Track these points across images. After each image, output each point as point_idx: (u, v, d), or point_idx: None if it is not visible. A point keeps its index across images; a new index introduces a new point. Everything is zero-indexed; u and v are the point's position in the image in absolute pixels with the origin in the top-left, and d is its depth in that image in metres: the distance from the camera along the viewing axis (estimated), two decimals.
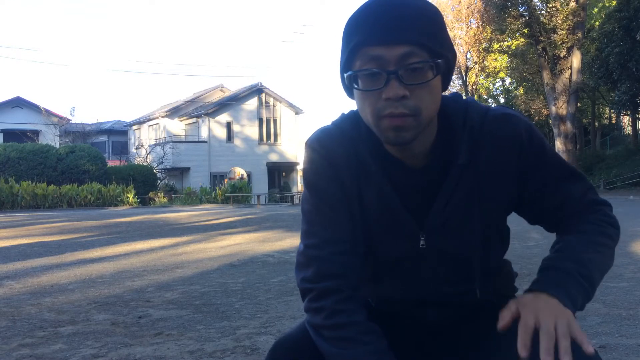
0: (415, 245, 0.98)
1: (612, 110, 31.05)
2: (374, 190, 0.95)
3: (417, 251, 0.98)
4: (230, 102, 32.74)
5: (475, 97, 35.33)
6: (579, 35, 22.81)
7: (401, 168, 0.94)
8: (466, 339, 1.04)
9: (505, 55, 31.18)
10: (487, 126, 0.93)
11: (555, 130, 23.83)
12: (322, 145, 0.95)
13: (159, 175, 28.25)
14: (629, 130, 32.12)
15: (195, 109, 33.81)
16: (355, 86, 0.87)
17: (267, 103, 33.60)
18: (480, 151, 0.93)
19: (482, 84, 37.17)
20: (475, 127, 0.93)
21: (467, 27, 32.88)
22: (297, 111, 34.73)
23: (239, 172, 28.32)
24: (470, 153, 0.93)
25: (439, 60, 0.86)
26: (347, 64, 0.88)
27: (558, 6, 23.01)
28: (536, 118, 27.70)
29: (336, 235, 0.93)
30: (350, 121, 0.96)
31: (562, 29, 22.54)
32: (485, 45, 32.19)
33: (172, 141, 30.97)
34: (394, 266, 1.01)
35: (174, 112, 34.54)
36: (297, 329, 1.00)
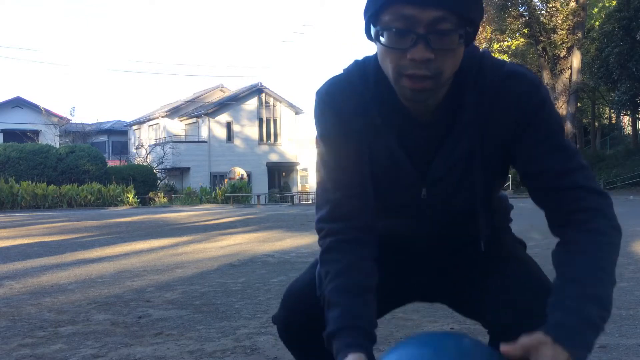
0: (417, 196, 1.03)
1: (612, 110, 31.04)
2: (381, 143, 0.99)
3: (418, 202, 1.03)
4: (230, 102, 32.74)
5: None
6: (579, 35, 22.81)
7: (408, 121, 0.97)
8: (461, 280, 1.10)
9: (505, 55, 31.13)
10: (496, 84, 0.95)
11: None
12: (332, 97, 0.99)
13: (159, 175, 28.25)
14: (629, 130, 32.11)
15: (195, 109, 33.81)
16: (380, 40, 0.88)
17: (267, 103, 33.60)
18: (486, 109, 0.96)
19: None
20: (485, 84, 0.95)
21: None
22: (297, 111, 34.72)
23: (239, 172, 28.32)
24: (476, 110, 0.95)
25: (469, 28, 0.88)
26: (374, 16, 0.88)
27: (558, 6, 23.02)
28: None
29: (347, 180, 1.00)
30: (359, 72, 0.99)
31: (562, 29, 22.54)
32: (485, 45, 32.18)
33: (172, 141, 30.97)
34: (398, 215, 1.08)
35: (174, 112, 34.53)
36: (308, 271, 1.08)
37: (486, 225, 1.05)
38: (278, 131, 33.95)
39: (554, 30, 22.72)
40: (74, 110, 36.06)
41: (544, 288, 0.97)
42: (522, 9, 23.40)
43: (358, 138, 0.99)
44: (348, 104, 0.98)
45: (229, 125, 32.50)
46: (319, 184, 1.04)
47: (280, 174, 34.42)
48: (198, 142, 31.85)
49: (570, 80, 23.09)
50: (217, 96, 34.69)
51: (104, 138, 37.56)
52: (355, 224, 0.98)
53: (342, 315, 0.91)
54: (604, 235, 0.95)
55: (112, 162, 28.56)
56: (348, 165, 1.00)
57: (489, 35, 29.38)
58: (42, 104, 37.98)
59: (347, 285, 0.94)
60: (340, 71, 1.05)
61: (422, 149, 1.00)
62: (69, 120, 31.03)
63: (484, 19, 27.29)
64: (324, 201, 1.01)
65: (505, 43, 28.97)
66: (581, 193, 0.96)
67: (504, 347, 0.82)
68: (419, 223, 1.07)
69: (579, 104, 25.70)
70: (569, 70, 23.13)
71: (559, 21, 22.45)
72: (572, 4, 22.68)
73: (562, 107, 23.18)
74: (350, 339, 0.89)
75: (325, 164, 1.01)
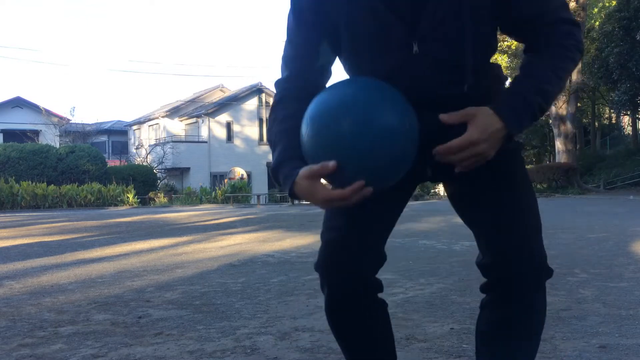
0: (409, 52, 1.06)
1: (612, 110, 31.04)
2: (363, 4, 1.05)
3: (409, 59, 1.07)
4: (230, 102, 32.74)
5: None
6: None
7: None
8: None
9: (505, 55, 31.17)
10: None
11: (555, 130, 23.83)
12: None
13: (159, 175, 28.24)
14: (629, 130, 32.12)
15: (195, 109, 33.81)
16: None
17: (267, 103, 33.58)
18: None
19: None
20: None
21: None
22: None
23: (239, 172, 28.31)
24: None
25: None
26: None
27: None
28: None
29: (299, 42, 1.14)
30: None
31: None
32: None
33: (172, 141, 30.97)
34: (391, 77, 1.05)
35: (174, 112, 34.53)
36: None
37: (471, 71, 1.09)
38: None
39: None
40: (74, 110, 36.16)
41: (532, 230, 1.12)
42: None
43: (332, 10, 1.08)
44: None
45: (229, 125, 32.50)
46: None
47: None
48: (198, 142, 31.85)
49: (570, 80, 23.09)
50: (217, 96, 34.69)
51: (104, 138, 37.56)
52: (300, 82, 1.12)
53: (284, 150, 1.04)
54: (568, 51, 1.06)
55: (112, 162, 28.56)
56: (300, 32, 1.13)
57: None
58: (42, 104, 38.03)
59: (288, 128, 1.06)
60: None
61: (408, 4, 1.04)
62: (69, 120, 31.03)
63: None
64: (282, 65, 1.17)
65: (505, 43, 28.98)
66: (561, 25, 1.07)
67: (443, 116, 1.00)
68: (412, 80, 1.08)
69: (579, 104, 25.68)
70: None
71: None
72: (572, 4, 22.67)
73: (562, 107, 23.18)
74: (292, 167, 1.00)
75: (288, 30, 1.16)
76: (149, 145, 31.73)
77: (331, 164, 0.93)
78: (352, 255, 1.15)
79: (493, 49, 1.16)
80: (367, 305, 1.19)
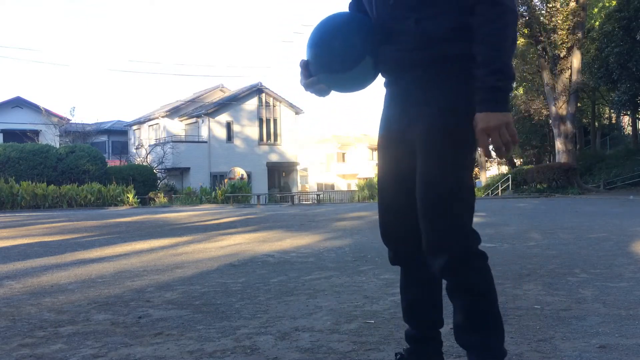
0: None
1: (612, 110, 31.03)
2: None
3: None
4: (230, 102, 32.73)
5: None
6: (579, 35, 22.79)
7: None
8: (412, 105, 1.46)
9: None
10: None
11: (555, 130, 23.82)
12: None
13: (159, 175, 28.23)
14: (629, 130, 32.11)
15: (195, 109, 33.80)
16: None
17: (267, 103, 33.59)
18: None
19: None
20: None
21: None
22: (297, 111, 34.72)
23: (239, 172, 28.32)
24: None
25: None
26: None
27: (558, 6, 22.99)
28: (536, 118, 27.68)
29: None
30: None
31: (562, 29, 22.52)
32: None
33: (172, 141, 30.97)
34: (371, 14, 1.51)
35: (174, 112, 34.53)
36: None
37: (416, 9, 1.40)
38: (278, 131, 33.96)
39: (554, 30, 22.71)
40: (74, 110, 36.07)
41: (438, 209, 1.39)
42: (522, 9, 23.37)
43: None
44: None
45: (229, 125, 32.51)
46: None
47: (280, 174, 34.42)
48: (198, 142, 31.85)
49: (570, 80, 23.08)
50: (217, 96, 34.69)
51: (104, 138, 37.57)
52: None
53: None
54: (494, 22, 1.32)
55: (112, 162, 28.55)
56: None
57: None
58: (42, 104, 38.01)
59: None
60: None
61: None
62: (69, 120, 31.03)
63: None
64: None
65: None
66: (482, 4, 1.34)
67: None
68: (377, 17, 1.48)
69: (579, 104, 25.67)
70: (569, 70, 23.12)
71: (559, 21, 22.44)
72: (572, 4, 22.67)
73: (562, 107, 23.18)
74: None
75: None
76: (149, 145, 31.73)
77: (301, 61, 1.53)
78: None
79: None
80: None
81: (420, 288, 1.65)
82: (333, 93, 1.58)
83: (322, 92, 1.55)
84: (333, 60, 1.45)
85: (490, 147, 1.34)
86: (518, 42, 26.79)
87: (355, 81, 1.50)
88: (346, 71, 1.45)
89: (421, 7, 1.39)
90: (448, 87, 1.39)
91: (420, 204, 1.41)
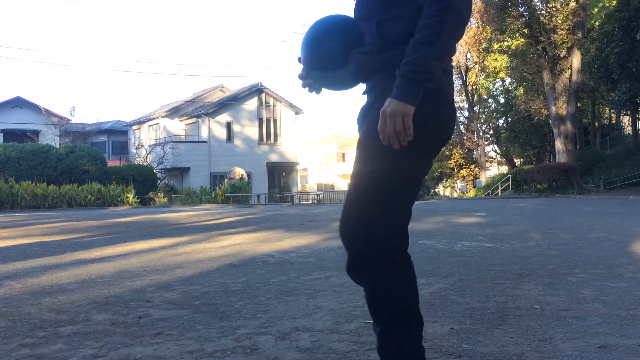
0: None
1: (612, 110, 31.03)
2: None
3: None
4: (230, 102, 32.73)
5: (475, 98, 35.41)
6: (579, 35, 22.80)
7: None
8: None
9: (505, 55, 31.17)
10: None
11: (555, 130, 23.82)
12: None
13: (159, 175, 28.22)
14: (629, 130, 32.12)
15: (195, 109, 33.80)
16: None
17: (267, 103, 33.59)
18: None
19: (482, 84, 37.15)
20: None
21: (467, 27, 32.83)
22: (297, 111, 34.72)
23: (239, 172, 28.32)
24: None
25: None
26: None
27: (558, 6, 23.00)
28: (536, 118, 27.68)
29: None
30: None
31: (562, 29, 22.52)
32: (485, 45, 32.18)
33: (172, 141, 30.97)
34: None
35: (174, 112, 34.53)
36: None
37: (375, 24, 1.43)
38: (278, 131, 33.96)
39: (554, 30, 22.71)
40: (74, 110, 36.10)
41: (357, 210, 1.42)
42: (522, 9, 23.39)
43: None
44: None
45: (229, 125, 32.51)
46: None
47: (280, 174, 34.42)
48: (198, 142, 31.84)
49: (570, 80, 23.08)
50: (217, 96, 34.69)
51: (104, 138, 37.57)
52: None
53: None
54: (432, 17, 1.31)
55: (112, 162, 28.55)
56: None
57: (489, 35, 29.40)
58: (42, 104, 37.98)
59: None
60: None
61: None
62: (69, 120, 31.02)
63: (484, 19, 27.32)
64: None
65: (505, 43, 28.97)
66: None
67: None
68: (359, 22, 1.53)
69: (579, 104, 25.68)
70: (569, 70, 23.12)
71: (559, 21, 22.44)
72: (572, 4, 22.67)
73: (562, 107, 23.17)
74: None
75: None
76: (149, 145, 31.73)
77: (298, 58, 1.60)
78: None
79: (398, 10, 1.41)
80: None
81: None
82: (326, 91, 1.69)
83: (313, 88, 1.63)
84: (322, 60, 1.55)
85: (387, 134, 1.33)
86: (518, 42, 26.88)
87: (343, 80, 1.58)
88: (336, 69, 1.54)
89: (382, 9, 1.42)
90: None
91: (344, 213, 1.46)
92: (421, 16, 1.32)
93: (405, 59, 1.31)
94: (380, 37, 1.41)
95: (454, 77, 36.58)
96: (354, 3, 1.56)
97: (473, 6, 31.87)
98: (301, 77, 1.63)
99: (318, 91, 1.66)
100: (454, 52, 1.38)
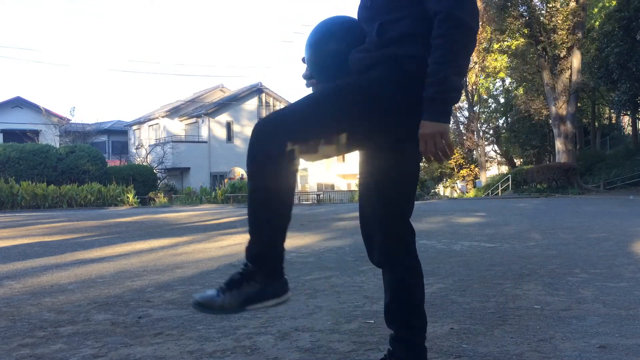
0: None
1: (612, 110, 31.03)
2: None
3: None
4: (230, 102, 32.74)
5: (475, 98, 35.41)
6: (579, 35, 22.79)
7: None
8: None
9: (505, 55, 31.16)
10: None
11: (555, 130, 23.82)
12: None
13: (159, 175, 28.23)
14: (629, 130, 32.11)
15: (195, 109, 33.80)
16: None
17: (267, 103, 33.59)
18: None
19: (482, 84, 37.14)
20: None
21: None
22: None
23: (239, 172, 28.31)
24: None
25: None
26: None
27: (558, 6, 23.00)
28: (536, 118, 27.68)
29: None
30: None
31: (562, 29, 22.52)
32: (485, 45, 32.16)
33: (172, 141, 30.97)
34: None
35: (174, 112, 34.53)
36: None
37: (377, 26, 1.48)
38: None
39: (554, 30, 22.70)
40: (74, 110, 36.19)
41: None
42: (522, 9, 23.38)
43: None
44: None
45: (229, 125, 32.50)
46: None
47: None
48: (198, 142, 31.84)
49: (570, 80, 23.07)
50: (217, 96, 34.69)
51: (104, 138, 37.57)
52: None
53: None
54: (444, 37, 1.37)
55: (112, 162, 28.55)
56: None
57: (489, 35, 29.38)
58: (42, 104, 38.01)
59: None
60: None
61: None
62: (69, 120, 31.03)
63: (484, 19, 27.31)
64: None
65: (505, 43, 28.96)
66: (438, 16, 1.38)
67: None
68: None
69: (579, 104, 25.67)
70: (569, 70, 23.11)
71: (559, 21, 22.43)
72: (572, 4, 22.67)
73: (562, 107, 23.17)
74: None
75: None
76: (149, 145, 31.73)
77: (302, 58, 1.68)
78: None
79: (402, 14, 1.46)
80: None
81: None
82: None
83: (317, 87, 1.70)
84: (326, 61, 1.60)
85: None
86: (518, 42, 26.87)
87: None
88: (339, 71, 1.58)
89: (386, 12, 1.48)
90: (396, 87, 1.43)
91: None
92: (433, 35, 1.38)
93: (429, 81, 1.37)
94: (378, 37, 1.47)
95: None
96: (358, 5, 1.59)
97: None
98: (305, 76, 1.69)
99: None
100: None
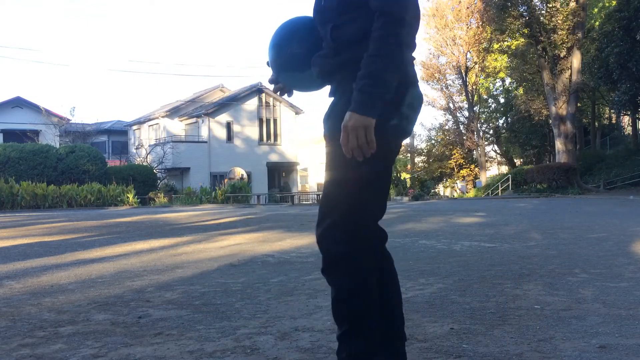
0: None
1: (612, 110, 31.03)
2: None
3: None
4: (230, 102, 32.73)
5: (475, 98, 35.40)
6: (579, 35, 22.79)
7: None
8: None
9: (505, 55, 31.17)
10: None
11: (555, 130, 23.82)
12: None
13: (159, 175, 28.23)
14: (629, 130, 32.11)
15: (195, 109, 33.80)
16: None
17: (267, 103, 33.58)
18: None
19: (482, 84, 37.14)
20: None
21: (467, 27, 32.85)
22: (297, 111, 34.71)
23: (239, 172, 28.31)
24: None
25: None
26: None
27: (558, 6, 22.99)
28: (536, 118, 27.68)
29: None
30: None
31: (562, 29, 22.52)
32: (485, 45, 32.17)
33: (172, 141, 30.96)
34: None
35: (174, 112, 34.52)
36: None
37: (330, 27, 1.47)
38: (278, 131, 33.95)
39: (554, 30, 22.70)
40: (74, 110, 36.01)
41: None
42: (522, 9, 23.37)
43: None
44: None
45: (229, 125, 32.49)
46: None
47: (280, 174, 34.41)
48: (198, 142, 31.83)
49: (570, 80, 23.07)
50: (217, 96, 34.68)
51: (104, 138, 37.56)
52: None
53: None
54: (379, 42, 1.35)
55: (112, 162, 28.55)
56: None
57: (489, 35, 29.39)
58: (42, 104, 37.97)
59: None
60: None
61: None
62: (69, 120, 31.02)
63: (484, 19, 27.31)
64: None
65: (505, 43, 28.96)
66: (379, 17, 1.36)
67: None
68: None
69: (579, 104, 25.66)
70: (569, 70, 23.11)
71: (559, 21, 22.43)
72: (572, 4, 22.67)
73: (562, 107, 23.17)
74: None
75: None
76: (149, 145, 31.73)
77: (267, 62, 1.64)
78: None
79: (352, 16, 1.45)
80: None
81: None
82: (298, 93, 1.76)
83: (284, 91, 1.71)
84: (288, 63, 1.60)
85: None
86: (518, 42, 26.87)
87: (310, 81, 1.62)
88: (302, 72, 1.58)
89: (337, 13, 1.46)
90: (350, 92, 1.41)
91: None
92: (372, 28, 1.36)
93: (360, 73, 1.35)
94: (333, 41, 1.46)
95: (454, 77, 36.61)
96: (312, 8, 1.59)
97: (473, 6, 31.57)
98: (271, 81, 1.69)
99: (290, 94, 1.73)
100: (411, 61, 1.47)
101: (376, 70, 1.34)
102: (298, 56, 1.56)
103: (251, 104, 33.08)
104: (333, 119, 1.47)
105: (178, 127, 34.04)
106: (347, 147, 1.36)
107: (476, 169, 36.90)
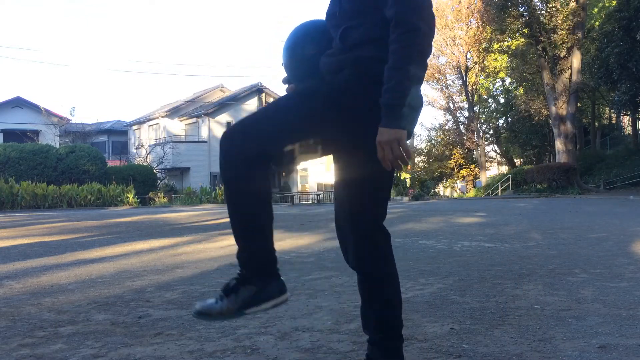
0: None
1: (612, 110, 31.03)
2: None
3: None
4: (230, 102, 32.75)
5: (475, 98, 35.41)
6: (579, 35, 22.79)
7: None
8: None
9: (505, 55, 31.18)
10: None
11: (555, 130, 23.82)
12: None
13: (159, 175, 28.23)
14: (629, 130, 32.11)
15: (195, 109, 33.81)
16: None
17: (267, 103, 33.57)
18: None
19: (482, 84, 37.14)
20: None
21: (467, 27, 32.85)
22: None
23: None
24: None
25: None
26: None
27: (558, 6, 23.00)
28: (536, 118, 27.68)
29: None
30: None
31: (562, 29, 22.52)
32: (485, 45, 32.17)
33: (172, 141, 30.97)
34: None
35: (174, 112, 34.53)
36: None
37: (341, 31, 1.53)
38: None
39: (554, 30, 22.71)
40: (74, 110, 36.07)
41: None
42: (522, 9, 23.38)
43: None
44: None
45: (229, 125, 32.43)
46: None
47: (280, 174, 34.40)
48: (198, 142, 31.84)
49: (570, 80, 23.07)
50: (217, 96, 34.69)
51: (104, 138, 37.56)
52: None
53: None
54: (401, 50, 1.39)
55: (112, 162, 28.55)
56: None
57: (489, 35, 29.39)
58: (42, 104, 37.98)
59: None
60: None
61: None
62: (69, 120, 31.03)
63: (484, 19, 27.31)
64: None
65: (505, 43, 28.96)
66: (396, 28, 1.40)
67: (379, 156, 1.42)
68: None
69: (579, 104, 25.67)
70: (569, 70, 23.11)
71: (559, 21, 22.44)
72: (572, 4, 22.67)
73: (562, 107, 23.17)
74: None
75: None
76: (149, 145, 31.73)
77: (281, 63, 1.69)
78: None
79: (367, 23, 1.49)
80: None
81: None
82: None
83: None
84: (303, 66, 1.64)
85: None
86: (518, 42, 26.88)
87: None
88: (316, 75, 1.61)
89: (350, 18, 1.52)
90: (358, 88, 1.47)
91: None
92: (389, 40, 1.40)
93: (384, 87, 1.39)
94: (342, 42, 1.52)
95: (454, 77, 36.59)
96: (326, 12, 1.64)
97: (473, 6, 31.56)
98: (284, 81, 1.73)
99: None
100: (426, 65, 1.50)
101: (398, 82, 1.38)
102: (312, 60, 1.61)
103: (251, 104, 33.10)
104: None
105: (178, 127, 34.05)
106: (385, 161, 1.41)
107: (476, 169, 36.91)
